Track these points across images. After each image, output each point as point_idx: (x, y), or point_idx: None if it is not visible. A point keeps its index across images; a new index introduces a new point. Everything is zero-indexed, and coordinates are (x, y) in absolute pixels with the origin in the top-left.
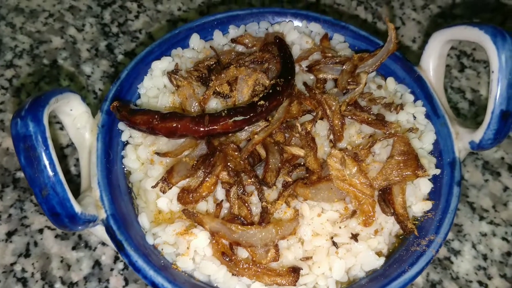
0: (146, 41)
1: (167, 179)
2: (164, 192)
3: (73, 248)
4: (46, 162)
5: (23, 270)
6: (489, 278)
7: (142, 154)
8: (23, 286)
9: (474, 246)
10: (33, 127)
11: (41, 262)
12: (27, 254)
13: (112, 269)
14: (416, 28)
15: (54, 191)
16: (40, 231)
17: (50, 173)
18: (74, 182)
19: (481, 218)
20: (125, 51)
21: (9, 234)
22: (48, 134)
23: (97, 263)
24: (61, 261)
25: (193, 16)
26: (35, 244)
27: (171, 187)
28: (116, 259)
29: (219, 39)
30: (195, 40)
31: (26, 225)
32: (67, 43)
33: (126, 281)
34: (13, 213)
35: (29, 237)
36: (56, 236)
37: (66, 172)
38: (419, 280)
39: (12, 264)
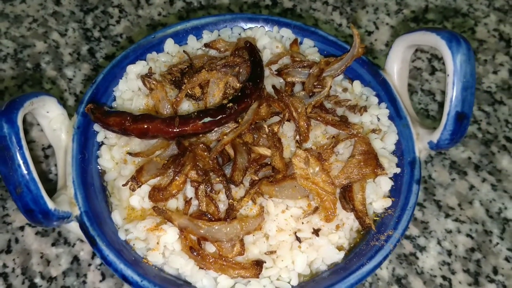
0: (127, 45)
1: (136, 178)
2: (133, 190)
3: (53, 245)
4: (20, 161)
5: (4, 266)
6: (453, 273)
7: (116, 154)
8: (4, 281)
9: (439, 243)
10: (7, 128)
11: (22, 258)
12: (8, 251)
13: (90, 265)
14: (389, 32)
15: (28, 189)
16: (21, 228)
17: (24, 171)
18: (55, 181)
19: (447, 215)
20: (106, 55)
21: None
22: (22, 135)
23: (75, 259)
24: (41, 257)
25: (172, 21)
26: (16, 240)
27: (140, 186)
28: (93, 255)
29: (193, 44)
30: (169, 44)
31: (7, 222)
32: (50, 47)
33: (103, 276)
34: None
35: (11, 234)
36: (37, 233)
37: (48, 171)
38: (385, 274)
39: None
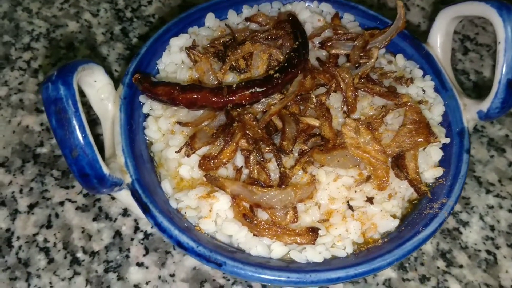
0: (159, 26)
1: (190, 144)
2: (188, 156)
3: (94, 219)
4: (76, 124)
5: (45, 240)
6: (497, 247)
7: (162, 125)
8: (45, 255)
9: (481, 218)
10: (63, 90)
11: (63, 233)
12: (48, 225)
13: (132, 239)
14: (420, 14)
15: (84, 152)
16: (61, 203)
17: (80, 135)
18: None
19: (488, 191)
20: (139, 34)
21: (31, 207)
22: (77, 97)
23: (117, 233)
24: (82, 232)
25: (204, 2)
26: (57, 215)
27: (194, 151)
28: (136, 229)
29: (234, 18)
30: (210, 19)
31: (47, 198)
32: (82, 27)
33: (147, 250)
34: (34, 187)
35: (51, 209)
36: (77, 209)
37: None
38: (430, 249)
39: (34, 235)
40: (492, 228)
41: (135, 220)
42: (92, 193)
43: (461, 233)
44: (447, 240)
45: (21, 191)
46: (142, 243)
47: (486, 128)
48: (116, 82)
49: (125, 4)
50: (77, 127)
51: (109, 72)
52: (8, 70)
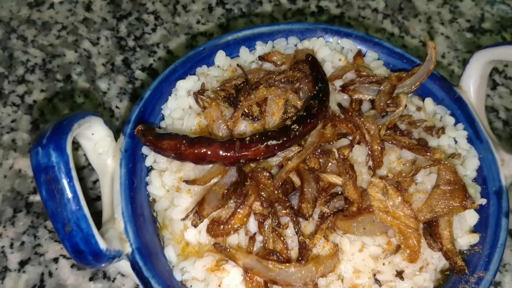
0: (164, 56)
1: (198, 211)
2: (195, 226)
3: (91, 279)
4: (70, 196)
5: None
6: None
7: (167, 180)
8: None
9: None
10: (56, 157)
11: None
12: (41, 286)
13: None
14: (445, 43)
15: (78, 227)
16: (55, 260)
17: (74, 207)
18: (91, 207)
19: None
20: (142, 66)
21: (22, 264)
22: (72, 164)
23: None
24: None
25: (212, 29)
26: (50, 274)
27: (202, 220)
28: None
29: (246, 56)
30: (220, 57)
31: (40, 253)
32: (81, 57)
33: None
34: (26, 241)
35: (43, 267)
36: (72, 266)
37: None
38: None
39: None
40: None
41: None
42: (88, 268)
43: None
44: None
45: (11, 245)
46: None
47: None
48: (117, 120)
49: (127, 32)
50: (70, 199)
51: (109, 108)
52: (0, 106)
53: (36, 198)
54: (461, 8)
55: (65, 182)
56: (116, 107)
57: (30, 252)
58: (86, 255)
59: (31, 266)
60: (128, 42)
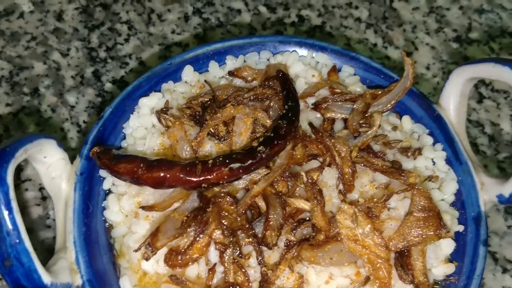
0: (136, 68)
1: (151, 243)
2: (147, 260)
3: None
4: (10, 228)
5: None
6: None
7: (125, 205)
8: None
9: None
10: None
11: None
12: None
13: None
14: (430, 54)
15: (18, 262)
16: None
17: (14, 240)
18: (55, 229)
19: (505, 270)
20: (113, 78)
21: None
22: (12, 195)
23: None
24: None
25: (188, 40)
26: None
27: (155, 253)
28: None
29: (215, 71)
30: (188, 72)
31: None
32: (50, 69)
33: None
34: None
35: None
36: None
37: (46, 216)
38: None
39: None
40: None
41: None
42: None
43: None
44: None
45: None
46: None
47: None
48: (84, 135)
49: (99, 42)
50: (10, 232)
51: (76, 123)
52: None
53: None
54: (447, 17)
55: (4, 213)
56: (84, 121)
57: None
58: None
59: None
60: (99, 53)
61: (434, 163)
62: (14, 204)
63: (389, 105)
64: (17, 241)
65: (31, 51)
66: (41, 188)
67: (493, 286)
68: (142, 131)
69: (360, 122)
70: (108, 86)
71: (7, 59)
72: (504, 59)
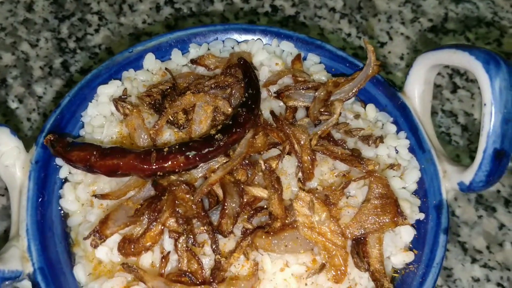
0: (106, 58)
1: (99, 231)
2: (95, 247)
3: None
4: None
5: None
6: None
7: (81, 194)
8: None
9: None
10: None
11: None
12: None
13: None
14: (405, 44)
15: None
16: None
17: None
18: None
19: (474, 260)
20: (81, 69)
21: None
22: None
23: None
24: None
25: (158, 30)
26: None
27: (104, 240)
28: None
29: (178, 59)
30: (149, 60)
31: None
32: (18, 60)
33: None
34: None
35: None
36: None
37: (10, 207)
38: None
39: None
40: None
41: None
42: None
43: None
44: None
45: None
46: None
47: None
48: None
49: (69, 33)
50: None
51: (43, 113)
52: None
53: None
54: (424, 7)
55: None
56: (51, 111)
57: None
58: None
59: None
60: (68, 44)
61: (397, 151)
62: None
63: (351, 93)
64: None
65: None
66: None
67: (462, 276)
68: (101, 119)
69: (321, 110)
70: (76, 76)
71: None
72: (465, 45)
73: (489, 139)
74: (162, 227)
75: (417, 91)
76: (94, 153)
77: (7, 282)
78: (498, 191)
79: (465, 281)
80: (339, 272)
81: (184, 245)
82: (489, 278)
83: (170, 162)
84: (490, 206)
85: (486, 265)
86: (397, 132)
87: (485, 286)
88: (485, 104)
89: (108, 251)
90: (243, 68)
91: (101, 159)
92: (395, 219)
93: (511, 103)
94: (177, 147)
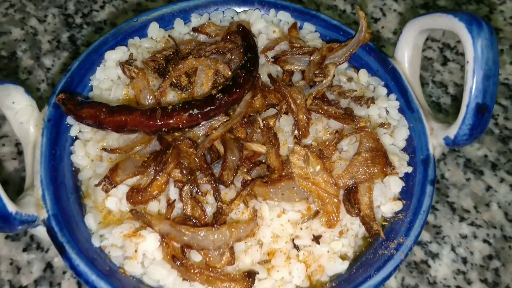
0: None
1: (110, 177)
2: (106, 192)
3: (24, 250)
4: None
5: None
6: (469, 283)
7: (91, 150)
8: None
9: (453, 249)
10: None
11: None
12: None
13: (64, 272)
14: (397, 20)
15: None
16: None
17: None
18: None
19: (462, 219)
20: (87, 42)
21: None
22: None
23: (49, 266)
24: (11, 264)
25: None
26: None
27: (114, 186)
28: None
29: (180, 28)
30: (153, 29)
31: None
32: (27, 34)
33: (79, 285)
34: None
35: None
36: (6, 237)
37: (22, 169)
38: (393, 285)
39: None
40: (465, 261)
41: None
42: (2, 232)
43: (429, 266)
44: (413, 275)
45: None
46: (74, 277)
47: (464, 148)
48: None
49: (75, 9)
50: None
51: (52, 84)
52: None
53: None
54: None
55: None
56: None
57: None
58: None
59: None
60: (75, 20)
61: (387, 112)
62: None
63: (344, 57)
64: None
65: (9, 18)
66: (17, 143)
67: (451, 234)
68: (108, 82)
69: (316, 73)
70: (83, 49)
71: None
72: (449, 9)
73: (471, 94)
74: (168, 177)
75: (406, 56)
76: (103, 110)
77: (21, 227)
78: (486, 156)
79: (453, 237)
80: (332, 218)
81: (189, 193)
82: (476, 235)
83: (174, 119)
84: (478, 170)
85: (473, 224)
86: (388, 94)
87: (473, 242)
88: (467, 62)
89: (117, 201)
90: (242, 34)
91: (109, 115)
92: (384, 169)
93: (492, 60)
94: (180, 105)
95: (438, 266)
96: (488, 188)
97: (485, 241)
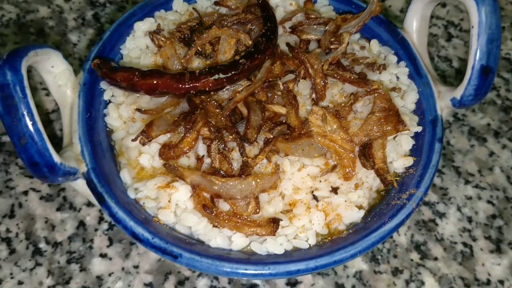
0: None
1: (146, 132)
2: (143, 145)
3: (58, 209)
4: (24, 111)
5: (8, 230)
6: (474, 239)
7: (124, 112)
8: (7, 246)
9: (459, 209)
10: (10, 76)
11: (26, 223)
12: (11, 215)
13: (96, 230)
14: None
15: (32, 140)
16: (25, 193)
17: (29, 122)
18: (60, 146)
19: (467, 182)
20: (111, 20)
21: None
22: (26, 83)
23: (81, 224)
24: (46, 222)
25: None
26: (20, 205)
27: (150, 140)
28: (100, 219)
29: (203, 2)
30: (178, 2)
31: (11, 187)
32: (53, 12)
33: (111, 241)
34: None
35: (14, 199)
36: (41, 198)
37: (53, 136)
38: (403, 241)
39: None
40: (470, 220)
41: (100, 211)
42: (45, 182)
43: (437, 224)
44: (422, 232)
45: None
46: (106, 234)
47: (468, 116)
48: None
49: None
50: (25, 114)
51: (79, 58)
52: None
53: (8, 138)
54: None
55: (19, 98)
56: (85, 57)
57: (1, 186)
58: (41, 167)
59: (2, 198)
60: None
61: (398, 78)
62: (28, 91)
63: (357, 27)
64: (31, 122)
65: None
66: (47, 113)
67: (456, 195)
68: (137, 51)
69: (332, 40)
70: (107, 26)
71: (14, 4)
72: None
73: (476, 56)
74: (197, 134)
75: (415, 26)
76: (136, 73)
77: (62, 178)
78: (489, 124)
79: (459, 198)
80: (348, 171)
81: (216, 149)
82: (480, 197)
83: (201, 82)
84: (481, 137)
85: (477, 186)
86: (398, 62)
87: (477, 203)
88: (472, 27)
89: (149, 158)
90: (262, 5)
91: (142, 78)
92: (397, 126)
93: (495, 25)
94: (207, 70)
95: (445, 225)
96: (491, 153)
97: (488, 202)
